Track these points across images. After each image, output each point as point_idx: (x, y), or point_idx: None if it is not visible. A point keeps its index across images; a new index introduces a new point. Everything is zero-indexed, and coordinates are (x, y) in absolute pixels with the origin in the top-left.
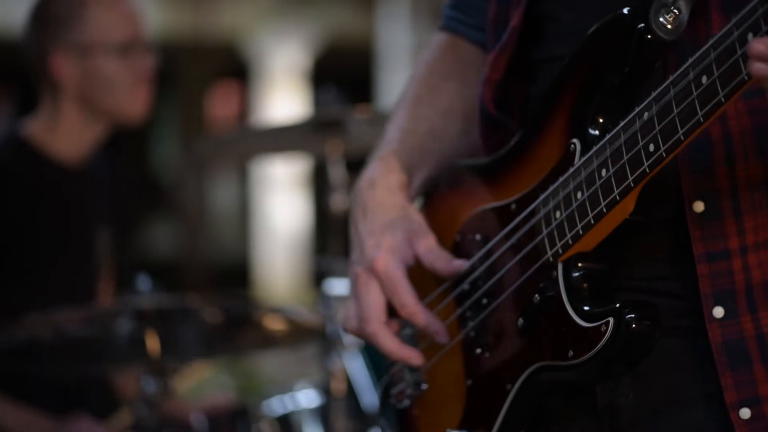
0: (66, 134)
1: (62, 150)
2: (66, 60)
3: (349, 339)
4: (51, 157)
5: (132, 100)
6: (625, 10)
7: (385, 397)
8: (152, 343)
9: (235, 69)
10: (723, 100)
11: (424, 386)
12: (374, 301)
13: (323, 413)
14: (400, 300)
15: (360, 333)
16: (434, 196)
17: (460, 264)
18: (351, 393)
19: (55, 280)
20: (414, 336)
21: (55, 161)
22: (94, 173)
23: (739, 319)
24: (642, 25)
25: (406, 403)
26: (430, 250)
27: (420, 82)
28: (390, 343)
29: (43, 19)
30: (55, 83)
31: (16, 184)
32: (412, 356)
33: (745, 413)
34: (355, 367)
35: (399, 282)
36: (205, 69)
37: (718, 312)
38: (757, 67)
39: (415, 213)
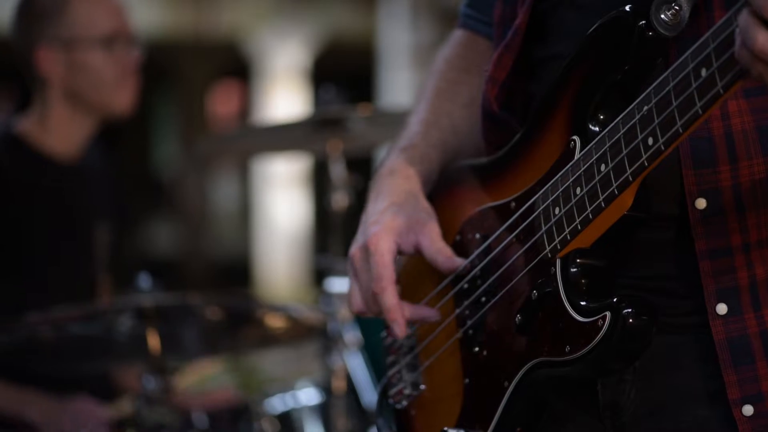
0: (57, 129)
1: (55, 145)
2: (51, 54)
3: (349, 337)
4: (44, 153)
5: (118, 93)
6: (627, 8)
7: (383, 397)
8: (153, 341)
9: (236, 67)
10: (721, 91)
11: (422, 386)
12: (378, 269)
13: (324, 411)
14: (378, 273)
15: (366, 305)
16: (436, 196)
17: (460, 262)
18: (351, 391)
19: (55, 276)
20: (412, 336)
21: (49, 157)
22: (88, 168)
23: (743, 316)
24: (643, 22)
25: (404, 403)
26: (432, 242)
27: (440, 76)
28: (395, 301)
29: (28, 14)
30: (41, 78)
31: (10, 180)
32: (426, 313)
33: (748, 410)
34: (355, 364)
35: (383, 258)
36: (206, 67)
37: (722, 309)
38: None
39: (424, 202)
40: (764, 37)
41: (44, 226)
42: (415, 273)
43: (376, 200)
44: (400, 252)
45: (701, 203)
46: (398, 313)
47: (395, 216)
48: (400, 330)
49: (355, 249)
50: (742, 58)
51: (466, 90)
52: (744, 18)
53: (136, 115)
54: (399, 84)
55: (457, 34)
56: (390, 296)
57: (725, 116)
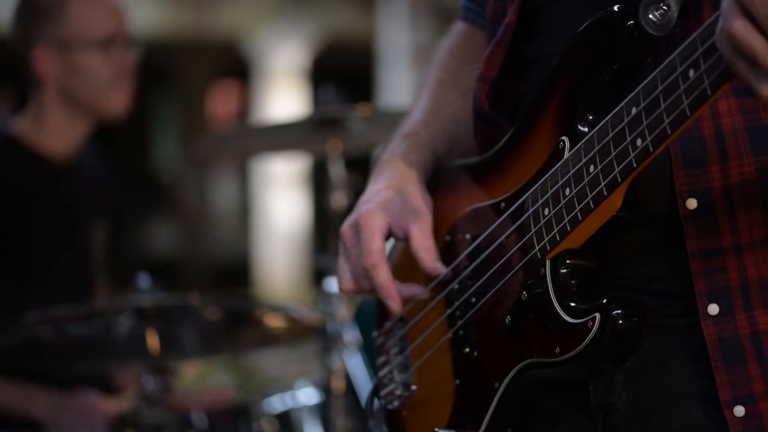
0: (52, 130)
1: (50, 145)
2: (48, 54)
3: (349, 337)
4: (39, 153)
5: (113, 94)
6: (615, 8)
7: (374, 398)
8: (152, 341)
9: (236, 67)
10: (709, 92)
11: (413, 387)
12: (368, 244)
13: (323, 411)
14: (367, 248)
15: (356, 282)
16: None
17: (441, 268)
18: (351, 391)
19: (53, 275)
20: (404, 337)
21: (44, 157)
22: (84, 167)
23: (735, 316)
24: (631, 22)
25: (395, 403)
26: (422, 236)
27: (441, 66)
28: (388, 276)
29: (26, 13)
30: (38, 78)
31: (6, 181)
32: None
33: (740, 411)
34: (354, 364)
35: (373, 234)
36: (205, 67)
37: (713, 309)
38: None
39: (423, 191)
40: (740, 23)
41: (41, 226)
42: (407, 264)
43: (374, 182)
44: (391, 234)
45: (692, 203)
46: (391, 288)
47: (390, 198)
48: (396, 305)
49: (345, 226)
50: (721, 45)
51: (467, 80)
52: (726, 3)
53: (136, 116)
54: (398, 84)
55: (458, 27)
56: (382, 272)
57: (715, 116)
